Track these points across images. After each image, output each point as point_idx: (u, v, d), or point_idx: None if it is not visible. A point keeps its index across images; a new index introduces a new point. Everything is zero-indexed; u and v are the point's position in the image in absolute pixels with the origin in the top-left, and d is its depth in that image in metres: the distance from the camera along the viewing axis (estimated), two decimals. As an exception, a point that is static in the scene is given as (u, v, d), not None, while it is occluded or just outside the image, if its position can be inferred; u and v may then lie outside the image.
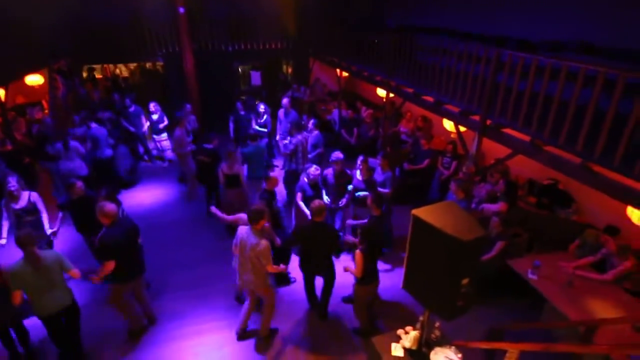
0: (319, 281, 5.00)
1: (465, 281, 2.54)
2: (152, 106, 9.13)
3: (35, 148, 7.85)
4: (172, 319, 4.99)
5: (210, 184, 7.12)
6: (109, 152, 7.94)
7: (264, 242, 4.06)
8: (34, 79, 9.29)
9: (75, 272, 3.98)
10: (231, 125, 8.96)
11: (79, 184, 5.29)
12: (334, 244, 4.74)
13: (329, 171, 5.97)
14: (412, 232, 2.72)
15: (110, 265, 4.09)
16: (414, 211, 2.67)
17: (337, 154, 5.91)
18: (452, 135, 7.13)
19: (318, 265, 4.74)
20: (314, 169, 5.75)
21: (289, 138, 7.68)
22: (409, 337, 3.31)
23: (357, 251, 4.23)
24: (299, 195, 5.79)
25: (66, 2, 9.29)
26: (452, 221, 2.52)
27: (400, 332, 3.46)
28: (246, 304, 4.68)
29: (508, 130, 4.73)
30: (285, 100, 8.57)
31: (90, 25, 9.63)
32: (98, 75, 12.77)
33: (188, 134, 8.06)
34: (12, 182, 5.30)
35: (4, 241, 5.26)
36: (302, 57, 11.90)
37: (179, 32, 9.47)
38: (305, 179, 5.81)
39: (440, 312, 2.70)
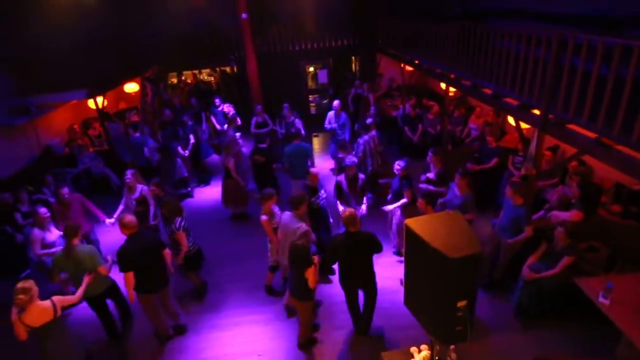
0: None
1: (461, 304, 2.22)
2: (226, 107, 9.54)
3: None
4: (217, 309, 5.30)
5: (265, 183, 7.02)
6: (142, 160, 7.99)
7: (304, 225, 4.37)
8: (131, 87, 10.69)
9: (103, 268, 4.27)
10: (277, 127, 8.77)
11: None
12: (374, 250, 4.31)
13: (342, 177, 5.65)
14: (407, 245, 2.46)
15: (129, 277, 4.10)
16: (408, 220, 2.41)
17: (351, 159, 5.66)
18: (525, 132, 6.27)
19: (359, 278, 4.40)
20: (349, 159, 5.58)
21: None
22: (419, 357, 3.03)
23: None
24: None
25: (153, 17, 10.47)
26: (446, 234, 2.22)
27: (413, 349, 3.18)
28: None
29: (574, 127, 4.00)
30: (336, 102, 8.31)
31: (173, 36, 10.67)
32: (188, 80, 14.13)
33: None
34: (128, 175, 5.71)
35: (112, 220, 5.64)
36: (369, 53, 11.61)
37: (243, 36, 9.98)
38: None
39: (437, 334, 2.41)
